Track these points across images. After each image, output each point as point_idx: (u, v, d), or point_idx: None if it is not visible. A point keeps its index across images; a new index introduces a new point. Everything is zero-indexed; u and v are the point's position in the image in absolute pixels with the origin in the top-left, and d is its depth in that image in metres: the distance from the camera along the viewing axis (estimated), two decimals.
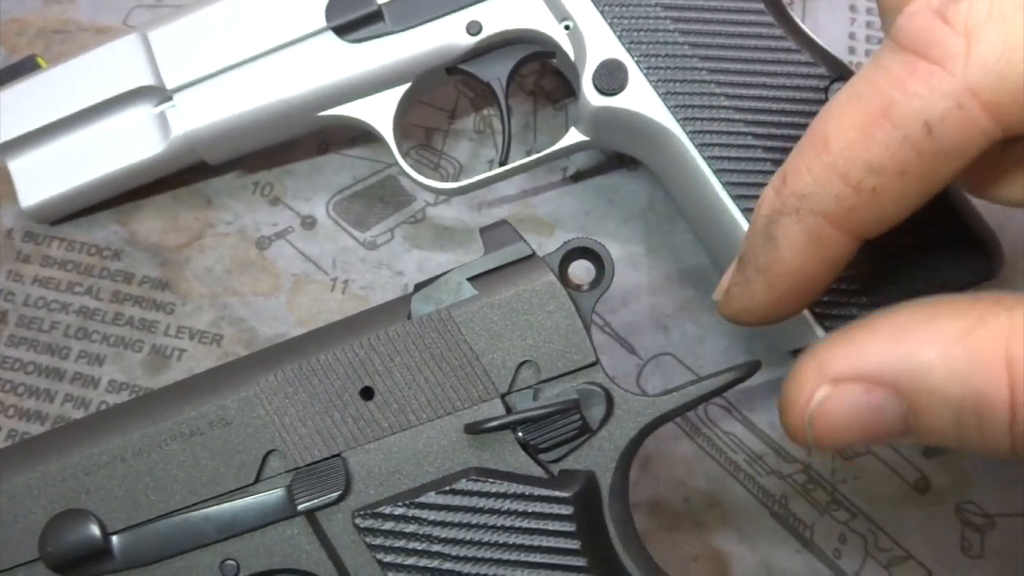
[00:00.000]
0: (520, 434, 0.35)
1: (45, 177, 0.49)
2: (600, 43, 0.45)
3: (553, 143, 0.49)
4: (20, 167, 0.49)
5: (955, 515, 0.45)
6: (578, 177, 0.52)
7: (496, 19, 0.46)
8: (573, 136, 0.47)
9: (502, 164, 0.48)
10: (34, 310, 0.50)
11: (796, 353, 0.48)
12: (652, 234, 0.51)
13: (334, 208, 0.52)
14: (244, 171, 0.52)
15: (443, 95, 0.54)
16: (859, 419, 0.29)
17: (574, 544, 0.34)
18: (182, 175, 0.51)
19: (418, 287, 0.38)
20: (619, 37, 0.45)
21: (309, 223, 0.51)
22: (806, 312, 0.43)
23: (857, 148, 0.31)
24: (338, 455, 0.36)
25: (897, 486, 0.46)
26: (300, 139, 0.52)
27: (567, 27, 0.46)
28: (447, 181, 0.52)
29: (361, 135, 0.53)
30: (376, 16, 0.46)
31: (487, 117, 0.54)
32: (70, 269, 0.50)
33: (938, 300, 0.29)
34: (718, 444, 0.47)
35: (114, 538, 0.36)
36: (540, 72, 0.55)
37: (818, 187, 0.32)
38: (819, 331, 0.43)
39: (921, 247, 0.43)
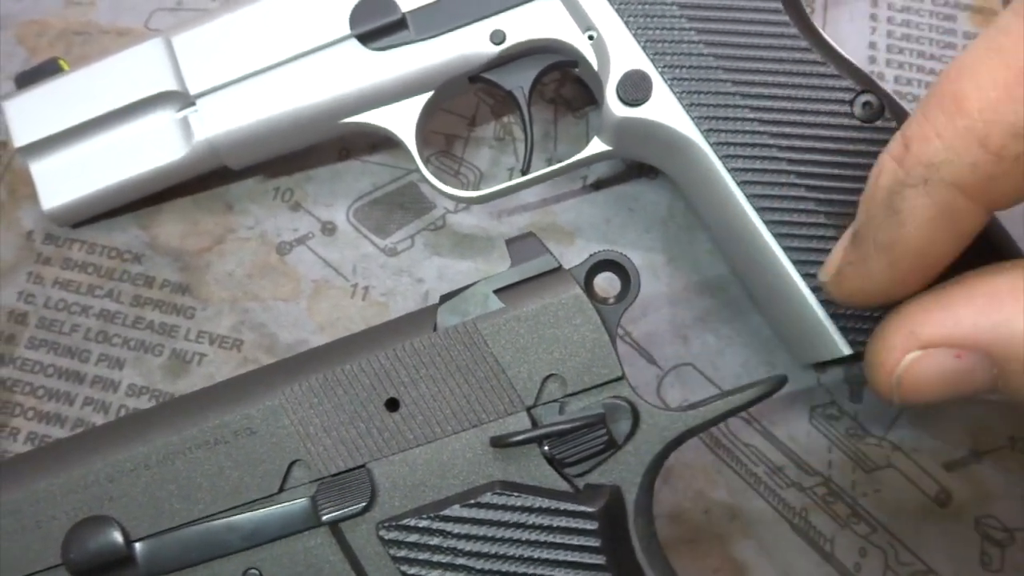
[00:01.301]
0: (546, 448, 0.35)
1: (67, 180, 0.49)
2: (624, 53, 0.45)
3: (573, 152, 0.49)
4: (42, 169, 0.49)
5: (975, 529, 0.45)
6: (598, 186, 0.52)
7: (520, 28, 0.46)
8: (596, 146, 0.47)
9: (524, 173, 0.48)
10: (54, 312, 0.50)
11: (819, 367, 0.48)
12: (672, 244, 0.51)
13: (354, 214, 0.52)
14: (265, 176, 0.52)
15: (463, 102, 0.54)
16: (948, 380, 0.29)
17: (599, 559, 0.34)
18: (203, 180, 0.51)
19: (444, 298, 0.38)
20: (643, 47, 0.45)
21: (329, 229, 0.51)
22: (830, 325, 0.43)
23: (1000, 110, 0.27)
24: (363, 466, 0.36)
25: (918, 499, 0.46)
26: (321, 145, 0.52)
27: (591, 37, 0.46)
28: (467, 188, 0.52)
29: (382, 141, 0.53)
30: (400, 24, 0.46)
31: (507, 125, 0.54)
32: (91, 272, 0.50)
33: None
34: (738, 456, 0.47)
35: (137, 545, 0.36)
36: (560, 81, 0.54)
37: (951, 154, 0.29)
38: (845, 348, 0.43)
39: None
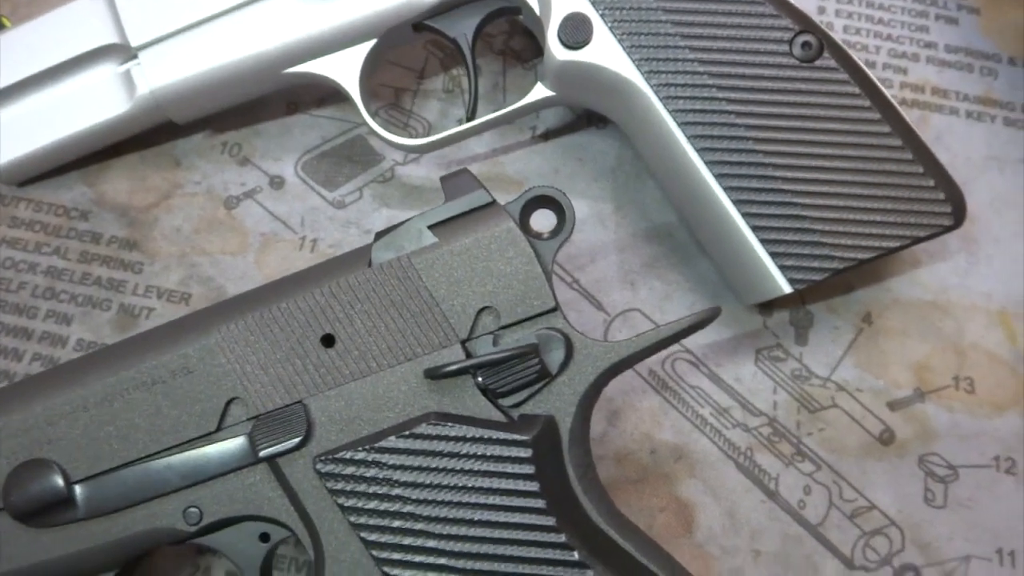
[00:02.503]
0: (480, 379, 0.35)
1: (10, 138, 0.49)
2: None
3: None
4: None
5: (918, 466, 0.46)
6: (547, 136, 0.52)
7: None
8: (539, 91, 0.47)
9: (469, 120, 0.48)
10: (1, 271, 0.49)
11: (764, 309, 0.49)
12: (620, 192, 0.51)
13: (303, 168, 0.52)
14: (213, 131, 0.52)
15: (412, 55, 0.54)
16: None
17: (533, 486, 0.34)
18: (150, 136, 0.51)
19: (379, 235, 0.38)
20: None
21: (278, 183, 0.51)
22: (771, 265, 0.44)
23: None
24: (299, 402, 0.36)
25: (862, 438, 0.46)
26: (268, 99, 0.52)
27: None
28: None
29: (329, 95, 0.53)
30: None
31: (456, 77, 0.54)
32: (37, 230, 0.50)
33: None
34: (684, 398, 0.47)
35: (77, 487, 0.36)
36: (509, 32, 0.54)
37: None
38: (785, 286, 0.44)
39: (883, 198, 0.44)
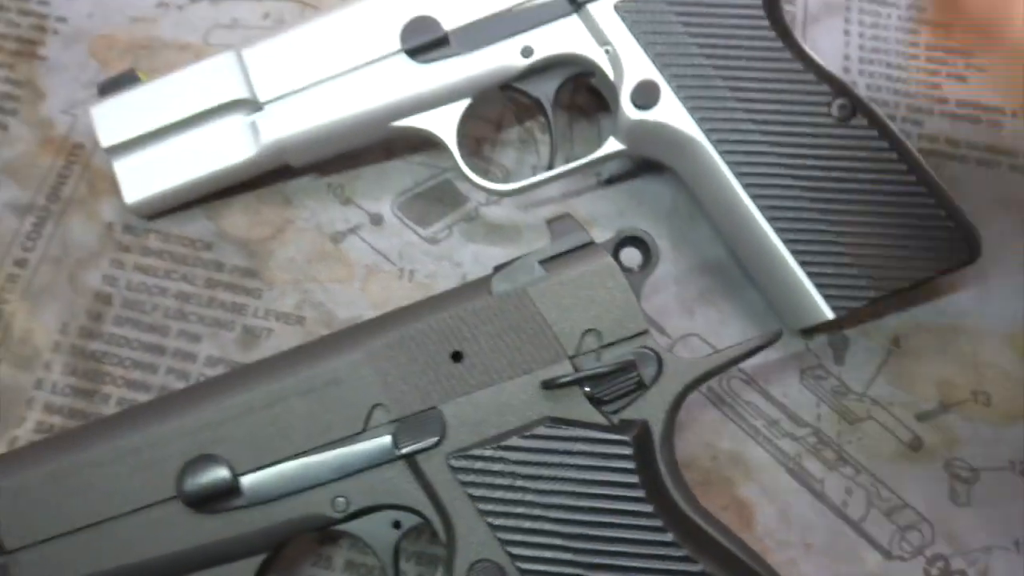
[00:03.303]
0: (587, 389, 0.42)
1: (147, 177, 0.56)
2: (636, 65, 0.53)
3: (588, 152, 0.56)
4: (125, 167, 0.56)
5: (944, 469, 0.53)
6: (610, 181, 0.60)
7: (547, 44, 0.54)
8: (612, 145, 0.55)
9: (550, 168, 0.56)
10: (136, 294, 0.56)
11: (807, 333, 0.56)
12: (676, 231, 0.58)
13: (398, 207, 0.59)
14: (318, 174, 0.59)
15: (490, 108, 0.61)
16: None
17: (634, 479, 0.41)
18: (263, 177, 0.58)
19: (496, 268, 0.45)
20: (652, 60, 0.53)
21: (377, 220, 0.58)
22: (816, 294, 0.51)
23: None
24: (434, 407, 0.43)
25: (894, 446, 0.53)
26: (368, 147, 0.59)
27: (607, 51, 0.54)
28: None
29: (421, 143, 0.60)
30: (443, 41, 0.54)
31: (529, 128, 0.61)
32: (166, 259, 0.57)
33: None
34: (740, 412, 0.54)
35: (242, 478, 0.43)
36: (575, 90, 0.62)
37: None
38: (829, 313, 0.51)
39: (907, 236, 0.51)
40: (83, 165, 0.59)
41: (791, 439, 0.53)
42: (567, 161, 0.58)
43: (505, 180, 0.60)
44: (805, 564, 0.51)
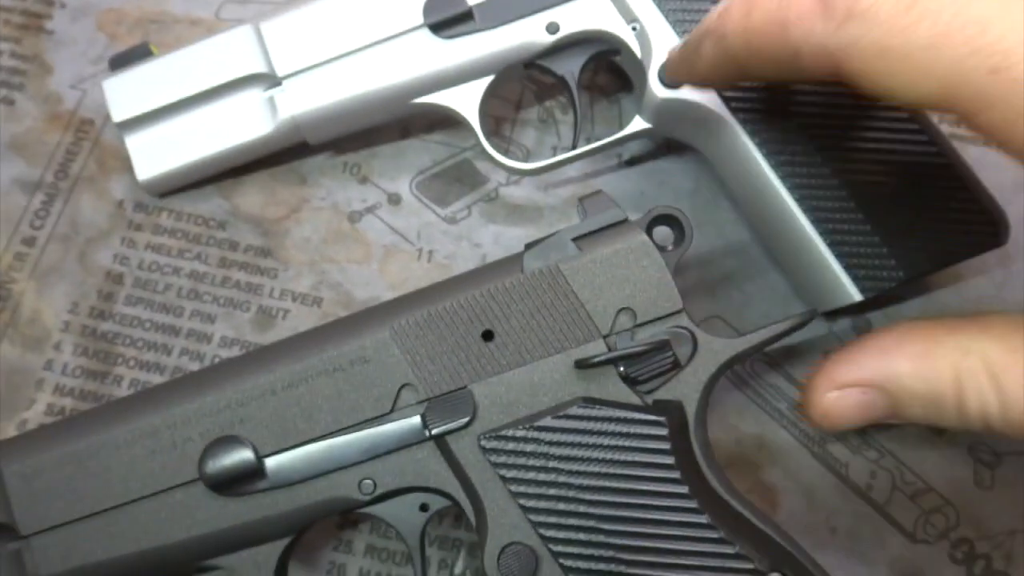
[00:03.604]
0: (622, 368, 0.41)
1: (160, 153, 0.54)
2: (664, 42, 0.52)
3: (608, 132, 0.55)
4: (137, 143, 0.54)
5: (968, 454, 0.52)
6: (632, 162, 0.59)
7: (572, 20, 0.53)
8: (638, 123, 0.54)
9: (573, 147, 0.55)
10: (148, 273, 0.55)
11: (830, 315, 0.55)
12: (699, 212, 0.57)
13: (417, 187, 0.58)
14: (334, 153, 0.58)
15: (510, 88, 0.60)
16: (859, 410, 0.41)
17: (669, 460, 0.40)
18: (278, 155, 0.57)
19: (528, 246, 0.44)
20: (681, 37, 0.52)
21: (395, 200, 0.57)
22: (844, 276, 0.50)
23: None
24: (465, 387, 0.42)
25: (918, 429, 0.53)
26: (384, 125, 0.58)
27: (634, 28, 0.53)
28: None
29: (439, 121, 0.59)
30: (467, 16, 0.52)
31: (549, 108, 0.60)
32: (179, 237, 0.56)
33: (910, 326, 0.41)
34: (763, 394, 0.53)
35: (266, 460, 0.42)
36: (594, 70, 0.61)
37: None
38: (857, 294, 0.50)
39: (936, 218, 0.50)
40: (92, 141, 0.58)
41: None
42: (588, 141, 0.57)
43: (525, 160, 0.59)
44: (830, 547, 0.50)
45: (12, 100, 0.58)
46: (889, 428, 0.52)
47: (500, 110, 0.60)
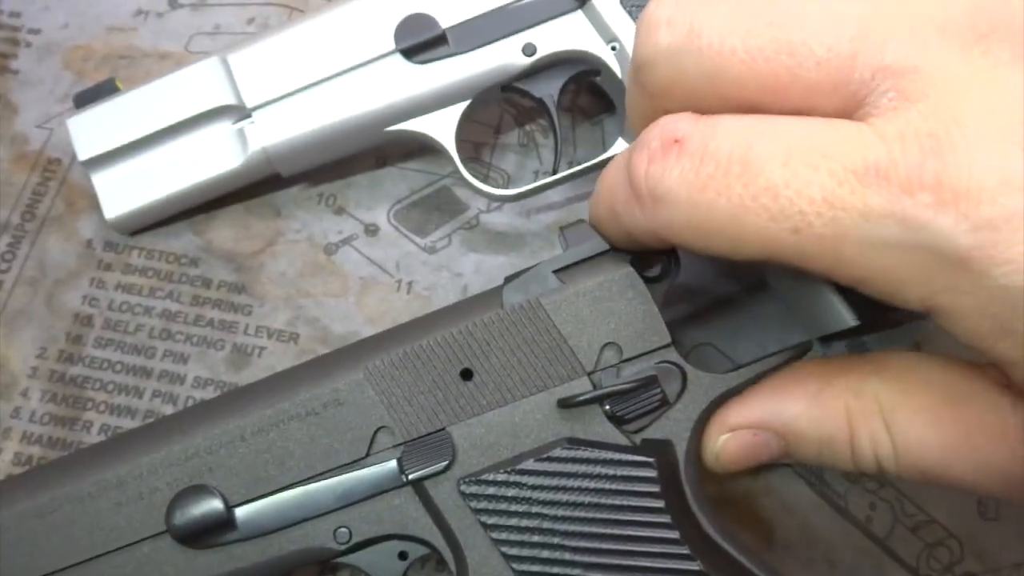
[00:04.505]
0: (607, 407, 0.40)
1: (128, 190, 0.53)
2: None
3: (591, 155, 0.54)
4: (104, 181, 0.53)
5: None
6: None
7: (549, 41, 0.51)
8: (621, 146, 0.52)
9: (554, 172, 0.53)
10: (118, 314, 0.53)
11: (825, 339, 0.53)
12: None
13: (395, 216, 0.56)
14: (309, 184, 0.56)
15: (489, 113, 0.59)
16: (751, 452, 0.40)
17: (659, 503, 0.38)
18: (251, 188, 0.55)
19: (508, 279, 0.42)
20: None
21: (372, 230, 0.55)
22: (839, 301, 0.48)
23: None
24: (443, 429, 0.40)
25: None
26: (359, 154, 0.56)
27: (613, 48, 0.51)
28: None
29: (416, 149, 0.57)
30: (441, 39, 0.51)
31: (530, 132, 0.59)
32: (150, 276, 0.54)
33: (805, 366, 0.41)
34: None
35: (236, 510, 0.40)
36: (576, 91, 0.59)
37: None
38: (849, 318, 0.48)
39: None
40: (60, 181, 0.56)
41: None
42: (570, 165, 0.56)
43: (506, 186, 0.57)
44: None
45: None
46: None
47: (479, 135, 0.58)
